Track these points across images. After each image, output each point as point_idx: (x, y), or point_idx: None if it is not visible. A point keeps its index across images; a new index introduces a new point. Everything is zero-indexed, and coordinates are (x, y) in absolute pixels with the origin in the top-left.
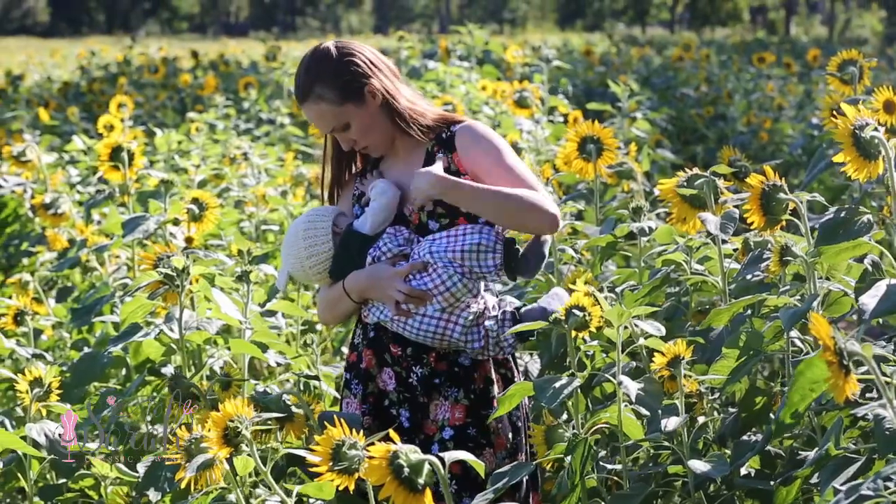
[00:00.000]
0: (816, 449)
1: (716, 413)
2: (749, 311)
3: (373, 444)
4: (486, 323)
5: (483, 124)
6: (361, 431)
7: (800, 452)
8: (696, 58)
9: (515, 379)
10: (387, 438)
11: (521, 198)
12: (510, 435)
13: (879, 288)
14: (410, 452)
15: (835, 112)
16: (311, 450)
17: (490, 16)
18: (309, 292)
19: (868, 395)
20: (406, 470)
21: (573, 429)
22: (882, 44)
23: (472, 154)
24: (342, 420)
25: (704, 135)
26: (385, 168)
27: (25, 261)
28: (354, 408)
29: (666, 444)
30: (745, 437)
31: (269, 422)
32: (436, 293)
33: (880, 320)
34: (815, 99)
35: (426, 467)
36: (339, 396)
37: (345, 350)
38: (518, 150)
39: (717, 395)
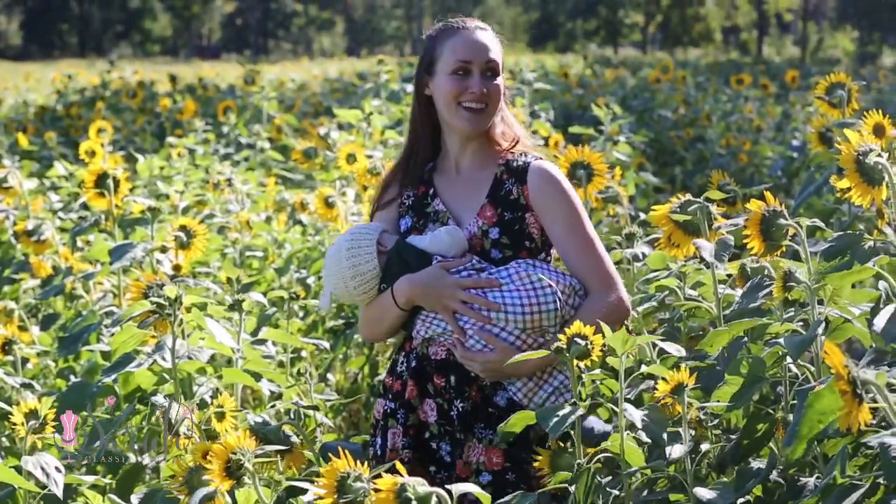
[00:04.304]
0: (817, 476)
1: (716, 440)
2: (745, 337)
3: (379, 476)
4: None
5: (558, 170)
6: (367, 463)
7: (800, 479)
8: (673, 79)
9: None
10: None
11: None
12: None
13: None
14: (418, 485)
15: (822, 135)
16: (316, 482)
17: None
18: (298, 319)
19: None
20: (414, 503)
21: (575, 457)
22: (855, 64)
23: (547, 203)
24: (346, 451)
25: (683, 157)
26: (443, 181)
27: (7, 288)
28: (399, 438)
29: (668, 471)
30: (745, 464)
31: (270, 453)
32: (513, 311)
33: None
34: (794, 120)
35: (434, 500)
36: (331, 425)
37: (330, 376)
38: None
39: (715, 421)
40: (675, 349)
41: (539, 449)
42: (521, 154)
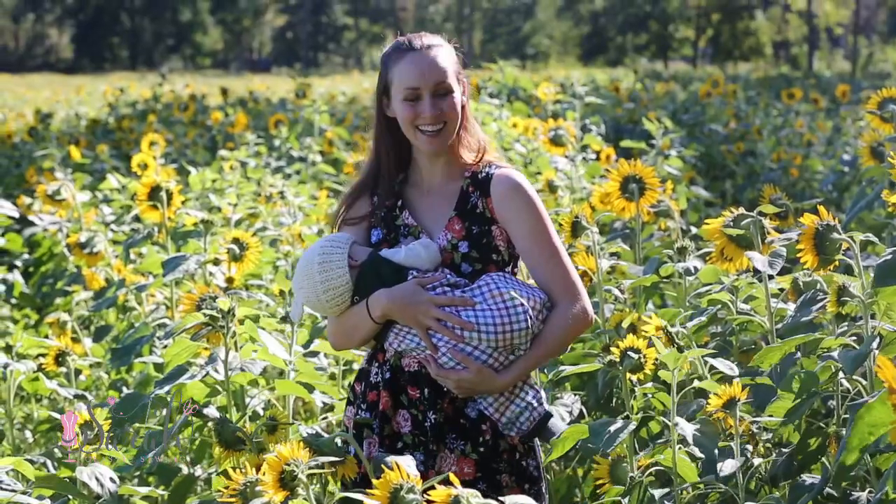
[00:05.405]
0: (870, 491)
1: (769, 454)
2: (798, 352)
3: (432, 487)
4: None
5: (523, 177)
6: (418, 475)
7: (852, 494)
8: (723, 93)
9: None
10: (446, 482)
11: (564, 341)
12: (526, 486)
13: None
14: (472, 497)
15: (873, 150)
16: (369, 493)
17: (512, 51)
18: None
19: None
20: None
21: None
22: None
23: (511, 212)
24: (399, 463)
25: (733, 171)
26: (413, 195)
27: (59, 300)
28: (376, 448)
29: (721, 486)
30: (798, 479)
31: (323, 465)
32: (486, 331)
33: None
34: (845, 135)
35: None
36: None
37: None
38: (554, 189)
39: (768, 435)
40: (726, 366)
41: (598, 458)
42: (486, 165)
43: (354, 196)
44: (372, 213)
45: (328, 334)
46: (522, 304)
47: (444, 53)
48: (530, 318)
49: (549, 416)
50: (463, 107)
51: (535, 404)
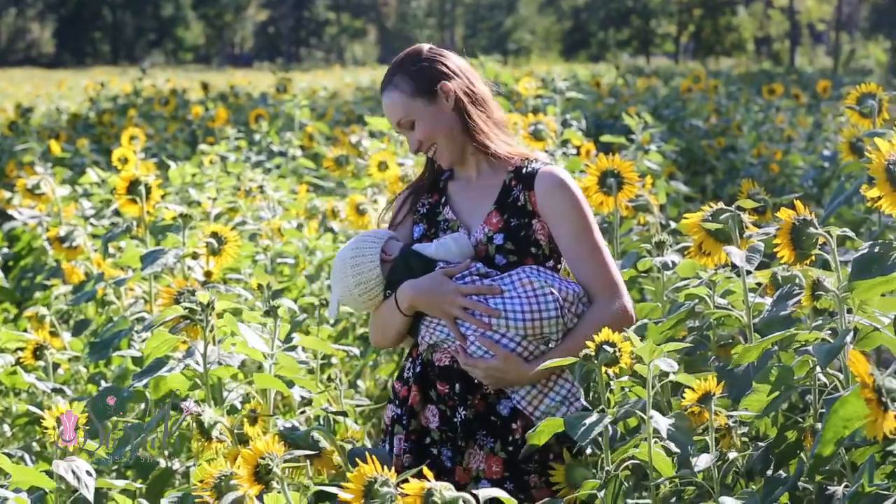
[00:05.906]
0: (845, 484)
1: (744, 447)
2: (776, 347)
3: (406, 480)
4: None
5: (568, 175)
6: (392, 468)
7: (828, 488)
8: (704, 89)
9: None
10: (420, 475)
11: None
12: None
13: None
14: (444, 490)
15: (852, 145)
16: (343, 487)
17: (494, 46)
18: (328, 326)
19: None
20: None
21: (601, 464)
22: (887, 74)
23: (553, 208)
24: (373, 457)
25: (714, 166)
26: (456, 190)
27: (39, 294)
28: (402, 443)
29: (696, 480)
30: (773, 473)
31: (299, 458)
32: (514, 318)
33: None
34: (825, 130)
35: None
36: (357, 429)
37: (360, 383)
38: None
39: (744, 429)
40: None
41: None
42: (532, 161)
43: (402, 195)
44: (412, 209)
45: (369, 331)
46: (553, 293)
47: (393, 91)
48: (560, 307)
49: (587, 410)
50: (460, 110)
51: (572, 399)
